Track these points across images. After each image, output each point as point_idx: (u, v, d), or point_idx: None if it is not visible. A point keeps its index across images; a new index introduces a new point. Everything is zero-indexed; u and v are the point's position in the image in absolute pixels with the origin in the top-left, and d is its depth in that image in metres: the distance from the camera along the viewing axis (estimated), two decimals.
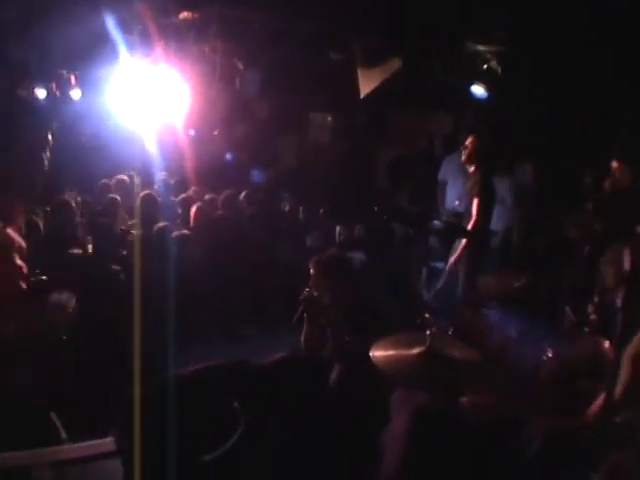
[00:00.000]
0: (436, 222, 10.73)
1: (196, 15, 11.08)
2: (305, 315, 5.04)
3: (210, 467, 3.50)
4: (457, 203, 9.46)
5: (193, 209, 9.45)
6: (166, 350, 5.20)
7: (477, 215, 8.77)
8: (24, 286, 4.19)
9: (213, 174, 12.30)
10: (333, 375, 4.44)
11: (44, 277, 5.04)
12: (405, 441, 2.63)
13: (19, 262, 4.19)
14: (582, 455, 3.78)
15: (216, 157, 13.90)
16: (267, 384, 4.13)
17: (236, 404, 3.85)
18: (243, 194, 10.80)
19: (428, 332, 4.04)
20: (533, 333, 5.77)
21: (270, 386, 4.11)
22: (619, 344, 4.07)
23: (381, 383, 3.82)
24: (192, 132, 13.63)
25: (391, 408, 3.10)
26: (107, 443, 2.69)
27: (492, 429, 3.06)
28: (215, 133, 14.74)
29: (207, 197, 10.38)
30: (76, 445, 2.70)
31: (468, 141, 9.12)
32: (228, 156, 14.24)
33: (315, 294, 5.14)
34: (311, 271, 5.39)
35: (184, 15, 11.09)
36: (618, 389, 4.01)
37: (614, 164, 8.37)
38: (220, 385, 4.02)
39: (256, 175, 13.24)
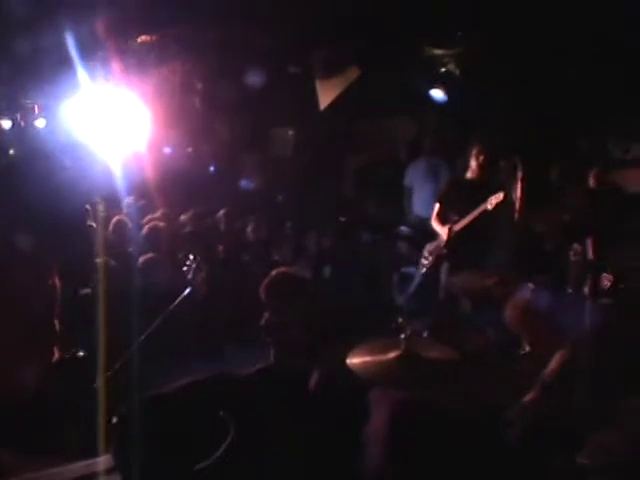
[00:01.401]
0: (403, 228, 10.82)
1: (155, 38, 11.09)
2: (270, 339, 4.99)
3: (202, 476, 3.61)
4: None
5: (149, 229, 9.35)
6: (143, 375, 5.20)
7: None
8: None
9: (180, 197, 12.26)
10: (312, 380, 4.45)
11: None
12: (385, 436, 2.66)
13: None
14: (566, 437, 3.82)
15: (183, 180, 13.88)
16: (250, 392, 4.14)
17: (222, 413, 3.91)
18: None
19: (403, 335, 4.05)
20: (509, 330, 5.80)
21: (253, 394, 4.11)
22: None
23: (359, 384, 3.83)
24: (160, 153, 13.62)
25: (370, 406, 3.11)
26: (105, 460, 2.75)
27: (472, 418, 3.08)
28: (189, 150, 14.78)
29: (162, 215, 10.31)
30: (75, 464, 2.74)
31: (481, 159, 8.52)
32: (196, 178, 14.23)
33: (274, 318, 5.11)
34: (262, 296, 5.36)
35: (143, 38, 11.11)
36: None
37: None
38: (205, 397, 4.06)
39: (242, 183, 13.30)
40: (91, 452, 3.38)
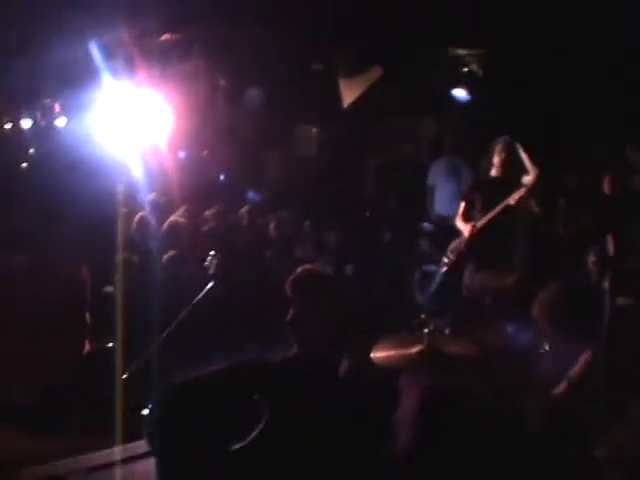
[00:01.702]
0: (426, 224, 10.84)
1: (177, 36, 11.17)
2: (294, 336, 5.03)
3: (238, 455, 3.66)
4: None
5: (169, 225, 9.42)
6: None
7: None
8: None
9: (203, 195, 12.30)
10: (342, 368, 4.52)
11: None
12: (414, 420, 2.72)
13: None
14: (582, 432, 3.87)
15: (205, 178, 13.91)
16: (283, 377, 4.22)
17: (256, 396, 3.97)
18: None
19: (426, 330, 4.10)
20: (529, 328, 5.84)
21: (286, 379, 4.20)
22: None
23: (388, 371, 3.89)
24: (181, 154, 13.66)
25: (399, 392, 3.18)
26: (139, 445, 2.80)
27: (496, 407, 3.14)
28: (204, 153, 14.79)
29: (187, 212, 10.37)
30: (109, 450, 2.81)
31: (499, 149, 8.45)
32: (218, 176, 14.27)
33: (299, 314, 5.16)
34: (288, 292, 5.40)
35: (166, 37, 11.18)
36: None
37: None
38: (239, 380, 4.14)
39: (248, 195, 13.26)
40: (116, 440, 3.45)
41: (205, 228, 9.75)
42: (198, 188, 12.38)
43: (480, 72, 11.32)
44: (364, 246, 10.42)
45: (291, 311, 4.99)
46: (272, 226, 10.23)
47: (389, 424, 3.01)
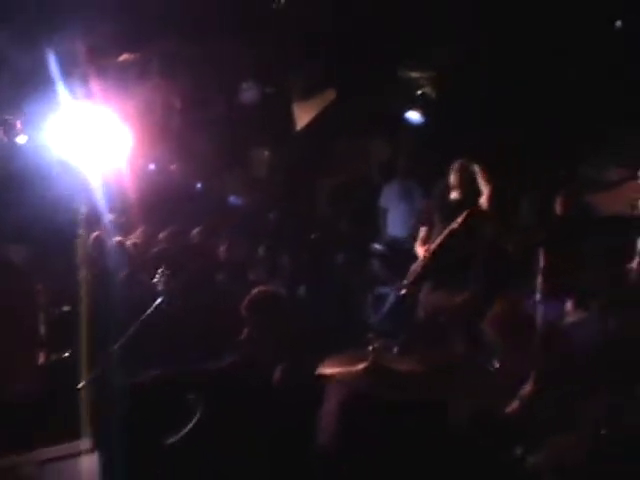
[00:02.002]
0: (377, 246, 10.84)
1: (135, 56, 11.15)
2: (246, 353, 5.09)
3: (172, 449, 4.14)
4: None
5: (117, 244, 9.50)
6: None
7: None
8: None
9: (160, 215, 12.26)
10: (276, 374, 4.60)
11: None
12: (334, 419, 2.80)
13: None
14: (516, 437, 3.90)
15: (163, 195, 13.88)
16: (217, 381, 4.42)
17: (191, 397, 4.35)
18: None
19: (370, 348, 4.12)
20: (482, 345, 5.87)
21: (220, 382, 4.39)
22: None
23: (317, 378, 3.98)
24: (139, 173, 13.60)
25: (322, 396, 3.25)
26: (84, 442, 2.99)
27: (419, 411, 3.18)
28: (170, 167, 14.78)
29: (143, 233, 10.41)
30: (58, 447, 2.97)
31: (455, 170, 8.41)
32: (177, 195, 14.24)
33: (253, 333, 5.21)
34: (244, 312, 5.44)
35: (124, 57, 11.17)
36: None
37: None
38: (176, 383, 4.44)
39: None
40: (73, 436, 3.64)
41: (155, 250, 9.72)
42: (155, 208, 12.34)
43: (433, 94, 11.38)
44: (316, 268, 10.42)
45: (245, 330, 5.05)
46: (223, 249, 10.21)
47: (312, 424, 3.10)
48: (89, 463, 2.89)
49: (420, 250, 8.61)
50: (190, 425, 4.13)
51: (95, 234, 9.63)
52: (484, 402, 4.44)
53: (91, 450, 2.94)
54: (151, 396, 4.33)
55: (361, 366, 4.01)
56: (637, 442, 3.81)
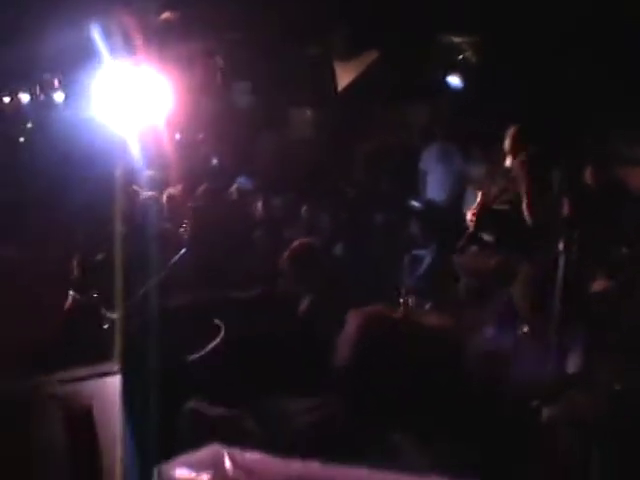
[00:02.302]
0: (415, 204, 10.89)
1: (176, 16, 11.26)
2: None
3: (195, 366, 4.47)
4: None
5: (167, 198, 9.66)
6: None
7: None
8: None
9: (197, 174, 12.37)
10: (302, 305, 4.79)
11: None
12: (354, 338, 2.91)
13: None
14: (533, 390, 4.04)
15: (200, 157, 13.99)
16: (242, 306, 4.62)
17: (216, 321, 4.70)
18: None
19: (401, 300, 4.23)
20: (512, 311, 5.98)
21: (248, 309, 4.58)
22: None
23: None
24: (178, 135, 13.72)
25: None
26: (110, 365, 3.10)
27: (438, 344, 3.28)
28: (199, 136, 14.86)
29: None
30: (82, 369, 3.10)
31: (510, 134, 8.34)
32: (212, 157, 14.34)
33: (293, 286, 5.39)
34: (283, 265, 5.59)
35: (165, 16, 11.28)
36: None
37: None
38: (205, 308, 4.68)
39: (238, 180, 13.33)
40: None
41: (191, 205, 9.84)
42: (193, 168, 12.48)
43: (474, 59, 11.40)
44: (354, 227, 10.50)
45: (284, 282, 5.20)
46: (259, 206, 10.33)
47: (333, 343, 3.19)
48: (114, 383, 3.05)
49: (469, 214, 8.59)
50: (214, 343, 4.41)
51: (130, 189, 9.82)
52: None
53: (117, 372, 3.10)
54: (179, 320, 4.59)
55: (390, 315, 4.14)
56: None
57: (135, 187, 9.88)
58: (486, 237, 8.10)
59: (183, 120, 13.27)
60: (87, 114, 12.30)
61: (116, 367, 2.98)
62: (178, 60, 12.31)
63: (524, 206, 7.76)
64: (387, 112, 13.41)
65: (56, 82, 13.49)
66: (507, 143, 8.26)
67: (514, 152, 8.19)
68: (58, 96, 13.47)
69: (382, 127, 13.49)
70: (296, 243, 5.77)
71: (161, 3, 10.79)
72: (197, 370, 4.41)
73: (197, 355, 4.50)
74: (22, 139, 14.04)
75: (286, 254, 5.61)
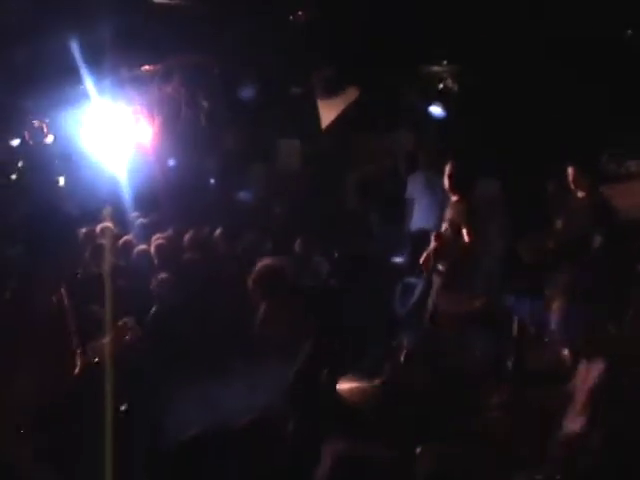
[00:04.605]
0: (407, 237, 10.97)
1: (158, 67, 11.40)
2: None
3: None
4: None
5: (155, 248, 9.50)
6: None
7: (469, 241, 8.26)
8: None
9: (187, 212, 12.25)
10: (289, 427, 4.81)
11: None
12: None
13: None
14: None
15: (189, 190, 13.91)
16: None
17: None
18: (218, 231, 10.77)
19: (387, 365, 4.40)
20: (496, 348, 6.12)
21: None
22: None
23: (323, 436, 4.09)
24: (166, 166, 13.72)
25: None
26: None
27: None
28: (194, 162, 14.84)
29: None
30: None
31: (448, 169, 8.74)
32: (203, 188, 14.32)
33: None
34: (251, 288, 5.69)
35: (146, 68, 11.42)
36: None
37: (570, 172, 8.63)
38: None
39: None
40: None
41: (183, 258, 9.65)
42: (179, 205, 12.45)
43: (455, 88, 11.54)
44: (349, 265, 10.48)
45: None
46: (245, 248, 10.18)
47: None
48: None
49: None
50: None
51: (124, 238, 9.82)
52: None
53: None
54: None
55: (375, 383, 4.28)
56: None
57: (128, 238, 9.85)
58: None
59: (167, 154, 13.38)
60: (71, 151, 12.50)
61: None
62: (161, 100, 12.48)
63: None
64: (373, 142, 13.49)
65: (44, 127, 13.62)
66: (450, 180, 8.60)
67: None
68: (48, 139, 13.60)
69: (369, 157, 13.54)
70: (259, 265, 5.82)
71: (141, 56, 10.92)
72: None
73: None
74: (14, 176, 14.12)
75: (252, 278, 5.68)
